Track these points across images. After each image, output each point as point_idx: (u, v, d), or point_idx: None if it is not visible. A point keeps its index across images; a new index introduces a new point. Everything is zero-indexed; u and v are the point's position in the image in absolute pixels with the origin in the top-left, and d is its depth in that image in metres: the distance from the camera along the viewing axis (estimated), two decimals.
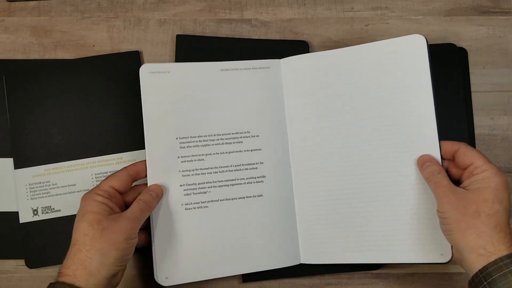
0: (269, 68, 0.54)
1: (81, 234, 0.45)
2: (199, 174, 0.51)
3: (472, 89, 0.57)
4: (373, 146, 0.51)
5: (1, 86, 0.56)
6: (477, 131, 0.57)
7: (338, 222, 0.52)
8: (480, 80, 0.58)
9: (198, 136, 0.52)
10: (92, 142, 0.55)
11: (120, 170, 0.50)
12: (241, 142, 0.53)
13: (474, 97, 0.57)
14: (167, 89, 0.52)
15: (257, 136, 0.53)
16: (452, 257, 0.48)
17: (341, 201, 0.52)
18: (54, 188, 0.54)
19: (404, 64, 0.50)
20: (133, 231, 0.46)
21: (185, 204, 0.51)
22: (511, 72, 0.58)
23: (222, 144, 0.52)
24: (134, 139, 0.54)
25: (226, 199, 0.52)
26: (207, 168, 0.52)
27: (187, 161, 0.51)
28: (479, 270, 0.41)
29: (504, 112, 0.57)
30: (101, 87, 0.56)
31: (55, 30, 0.58)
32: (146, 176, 0.50)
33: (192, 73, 0.53)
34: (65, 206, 0.54)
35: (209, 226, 0.51)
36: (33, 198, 0.54)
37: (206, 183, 0.51)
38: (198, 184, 0.51)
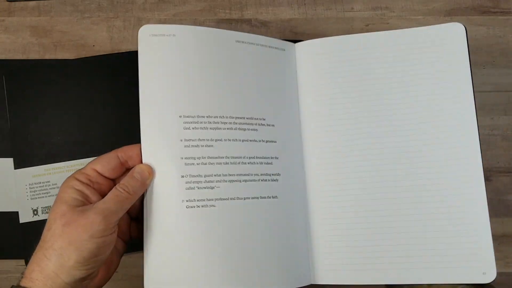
0: (284, 50, 0.47)
1: (46, 228, 0.37)
2: (206, 163, 0.41)
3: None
4: (404, 151, 0.44)
5: (1, 86, 0.56)
6: None
7: (358, 238, 0.44)
8: (480, 80, 0.58)
9: (207, 117, 0.42)
10: (92, 142, 0.55)
11: (110, 152, 0.42)
12: (256, 130, 0.44)
13: (474, 97, 0.57)
14: (172, 56, 0.43)
15: (273, 125, 0.45)
16: (497, 275, 0.42)
17: (362, 213, 0.44)
18: (54, 188, 0.54)
19: (440, 55, 0.45)
20: (102, 226, 0.36)
21: (187, 201, 0.41)
22: (511, 72, 0.58)
23: (235, 129, 0.43)
24: (134, 139, 0.54)
25: (238, 198, 0.42)
26: (217, 157, 0.42)
27: (192, 146, 0.42)
28: None
29: (504, 112, 0.57)
30: (101, 87, 0.56)
31: (55, 30, 0.58)
32: (141, 162, 0.42)
33: (203, 39, 0.44)
34: None
35: (214, 231, 0.41)
36: (33, 198, 0.54)
37: (215, 175, 0.41)
38: (205, 176, 0.41)
